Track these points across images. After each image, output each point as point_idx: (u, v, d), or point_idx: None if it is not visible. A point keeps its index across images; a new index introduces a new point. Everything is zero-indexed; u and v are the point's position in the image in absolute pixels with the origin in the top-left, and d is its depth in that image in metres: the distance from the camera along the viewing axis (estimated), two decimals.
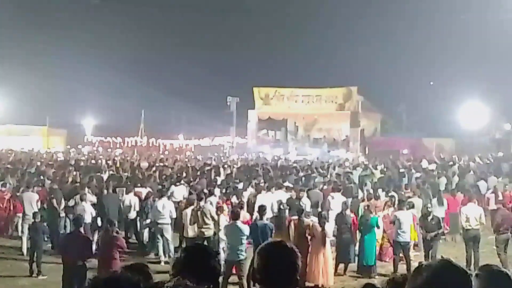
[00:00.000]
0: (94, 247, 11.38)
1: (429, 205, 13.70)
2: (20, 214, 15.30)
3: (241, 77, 54.27)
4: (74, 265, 10.12)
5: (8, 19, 49.70)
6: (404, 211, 13.09)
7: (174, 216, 14.62)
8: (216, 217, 12.84)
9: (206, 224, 12.91)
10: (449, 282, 2.21)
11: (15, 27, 52.95)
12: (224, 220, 12.58)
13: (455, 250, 14.37)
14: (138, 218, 15.55)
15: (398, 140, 40.37)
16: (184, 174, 21.32)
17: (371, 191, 16.46)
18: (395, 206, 14.01)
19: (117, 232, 11.28)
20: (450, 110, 41.31)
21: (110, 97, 51.61)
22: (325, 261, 11.89)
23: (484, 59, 42.71)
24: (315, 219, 12.28)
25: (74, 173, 20.84)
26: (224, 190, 16.88)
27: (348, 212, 13.32)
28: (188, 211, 13.32)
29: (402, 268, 12.26)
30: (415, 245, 13.91)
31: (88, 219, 13.77)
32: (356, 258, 13.03)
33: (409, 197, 15.50)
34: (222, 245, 12.17)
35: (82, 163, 26.83)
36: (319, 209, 14.02)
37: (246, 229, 11.08)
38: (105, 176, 19.89)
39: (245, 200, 15.29)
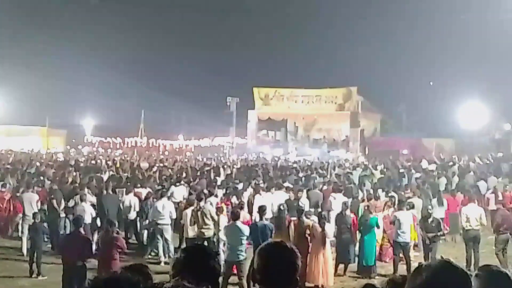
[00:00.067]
0: (93, 247, 11.38)
1: (429, 207, 13.71)
2: (20, 215, 15.29)
3: (241, 77, 54.36)
4: (74, 266, 10.12)
5: (8, 19, 49.70)
6: (404, 212, 13.09)
7: (174, 216, 14.63)
8: (216, 217, 12.85)
9: (206, 224, 12.91)
10: (448, 282, 2.21)
11: (15, 27, 52.98)
12: (224, 220, 12.60)
13: (455, 250, 14.37)
14: (138, 218, 15.55)
15: (398, 140, 40.36)
16: (184, 175, 21.31)
17: (371, 191, 16.46)
18: (395, 206, 14.01)
19: (117, 233, 11.28)
20: (450, 110, 41.27)
21: (110, 98, 51.68)
22: (325, 262, 11.90)
23: (484, 59, 42.71)
24: (316, 219, 12.30)
25: (74, 173, 20.83)
26: (224, 191, 16.88)
27: (348, 212, 13.32)
28: (188, 211, 13.32)
29: (402, 269, 12.26)
30: (415, 245, 13.91)
31: (88, 219, 13.77)
32: (356, 259, 13.03)
33: (409, 198, 15.50)
34: (222, 245, 12.19)
35: (82, 164, 26.84)
36: (319, 210, 14.03)
37: (246, 230, 11.08)
38: (105, 177, 19.89)
39: (245, 200, 15.29)
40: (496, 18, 36.85)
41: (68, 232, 14.14)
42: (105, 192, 15.69)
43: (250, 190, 16.88)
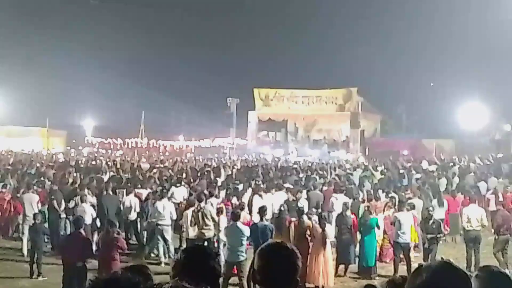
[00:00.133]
0: (94, 248, 11.38)
1: (430, 208, 13.67)
2: (21, 215, 15.30)
3: (241, 78, 54.37)
4: (74, 266, 10.12)
5: (8, 19, 49.68)
6: (404, 212, 13.08)
7: (175, 217, 14.63)
8: (216, 218, 12.85)
9: (207, 225, 12.91)
10: (448, 283, 2.20)
11: (15, 27, 52.95)
12: (225, 221, 12.60)
13: (455, 251, 14.37)
14: (138, 219, 15.55)
15: (398, 141, 40.36)
16: (184, 175, 21.31)
17: (371, 192, 16.45)
18: (396, 207, 14.00)
19: (118, 233, 11.28)
20: (450, 111, 41.30)
21: (110, 98, 51.70)
22: (325, 262, 11.90)
23: (484, 59, 42.69)
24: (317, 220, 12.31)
25: (75, 174, 20.82)
26: (224, 191, 16.89)
27: (348, 213, 13.31)
28: (189, 212, 13.33)
29: (402, 269, 12.26)
30: (415, 246, 13.90)
31: (88, 220, 13.76)
32: (357, 259, 13.03)
33: (410, 198, 15.50)
34: (222, 246, 12.19)
35: (82, 164, 26.84)
36: (319, 210, 14.03)
37: (246, 230, 11.09)
38: (105, 177, 19.87)
39: (245, 201, 15.29)
40: (496, 18, 36.86)
41: (68, 232, 14.15)
42: (105, 192, 15.69)
43: (250, 191, 16.88)
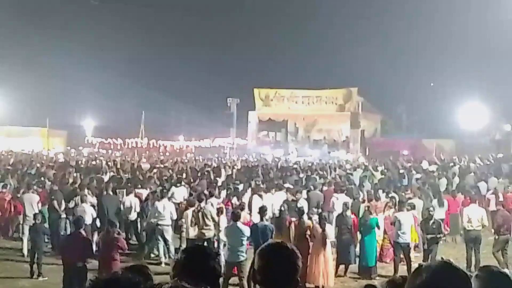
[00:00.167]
0: (94, 248, 11.39)
1: (431, 209, 13.67)
2: (21, 216, 15.30)
3: (241, 78, 54.36)
4: (74, 266, 10.12)
5: (8, 19, 49.68)
6: (405, 212, 13.08)
7: (175, 217, 14.62)
8: (216, 218, 12.85)
9: (207, 225, 12.91)
10: (448, 283, 2.20)
11: (15, 27, 52.96)
12: (225, 221, 12.61)
13: (455, 251, 14.38)
14: (138, 219, 15.55)
15: (398, 141, 40.36)
16: (184, 175, 21.31)
17: (372, 192, 16.46)
18: (396, 207, 14.00)
19: (118, 233, 11.28)
20: (450, 111, 41.29)
21: (110, 98, 51.71)
22: (326, 262, 11.90)
23: (484, 59, 42.71)
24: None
25: (75, 174, 20.83)
26: (224, 191, 16.89)
27: (348, 213, 13.31)
28: (189, 212, 13.33)
29: (402, 269, 12.26)
30: (416, 246, 13.90)
31: (88, 220, 13.76)
32: (357, 259, 13.03)
33: (410, 198, 15.50)
34: (222, 246, 12.19)
35: (82, 165, 26.84)
36: (319, 210, 14.03)
37: (246, 230, 11.10)
38: (105, 178, 19.87)
39: (246, 201, 15.29)
40: (496, 18, 36.86)
41: (68, 233, 14.15)
42: (105, 192, 15.69)
43: (250, 191, 16.88)
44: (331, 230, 12.66)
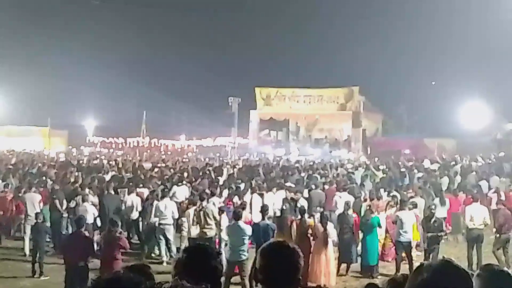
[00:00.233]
0: (95, 247, 11.39)
1: (432, 207, 13.67)
2: (22, 215, 15.31)
3: (242, 77, 54.33)
4: (76, 266, 10.13)
5: (8, 19, 49.72)
6: (406, 211, 13.09)
7: (176, 216, 14.63)
8: (218, 217, 12.86)
9: (209, 224, 12.91)
10: (449, 282, 2.20)
11: (15, 27, 53.00)
12: (226, 220, 12.61)
13: (457, 250, 14.38)
14: (140, 218, 15.55)
15: (399, 140, 40.31)
16: (186, 175, 21.32)
17: (373, 191, 16.46)
18: (397, 206, 14.00)
19: (120, 233, 11.29)
20: (451, 110, 41.25)
21: (111, 98, 51.78)
22: (327, 261, 11.90)
23: (485, 59, 42.68)
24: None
25: (76, 173, 20.84)
26: (226, 191, 16.89)
27: (350, 212, 13.32)
28: (191, 211, 13.33)
29: (404, 268, 12.25)
30: (417, 245, 13.91)
31: (90, 219, 13.77)
32: (358, 258, 13.03)
33: (411, 197, 15.51)
34: (224, 245, 12.19)
35: (83, 164, 26.86)
36: (321, 209, 14.04)
37: (248, 230, 11.10)
38: (107, 177, 19.88)
39: (247, 200, 15.29)
40: (496, 18, 36.83)
41: (70, 232, 14.16)
42: (107, 192, 15.70)
43: (251, 190, 16.89)
44: (333, 229, 12.66)
